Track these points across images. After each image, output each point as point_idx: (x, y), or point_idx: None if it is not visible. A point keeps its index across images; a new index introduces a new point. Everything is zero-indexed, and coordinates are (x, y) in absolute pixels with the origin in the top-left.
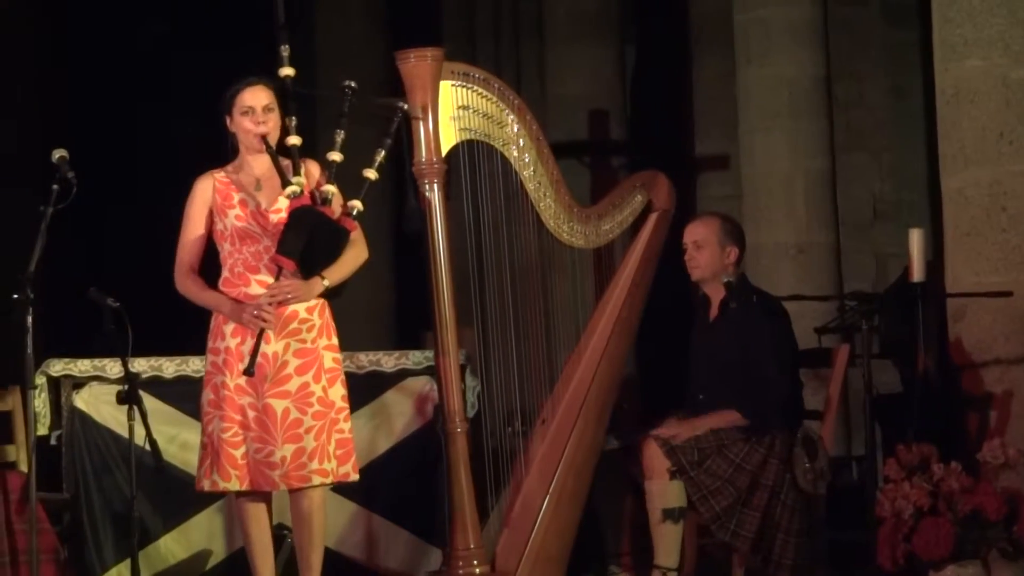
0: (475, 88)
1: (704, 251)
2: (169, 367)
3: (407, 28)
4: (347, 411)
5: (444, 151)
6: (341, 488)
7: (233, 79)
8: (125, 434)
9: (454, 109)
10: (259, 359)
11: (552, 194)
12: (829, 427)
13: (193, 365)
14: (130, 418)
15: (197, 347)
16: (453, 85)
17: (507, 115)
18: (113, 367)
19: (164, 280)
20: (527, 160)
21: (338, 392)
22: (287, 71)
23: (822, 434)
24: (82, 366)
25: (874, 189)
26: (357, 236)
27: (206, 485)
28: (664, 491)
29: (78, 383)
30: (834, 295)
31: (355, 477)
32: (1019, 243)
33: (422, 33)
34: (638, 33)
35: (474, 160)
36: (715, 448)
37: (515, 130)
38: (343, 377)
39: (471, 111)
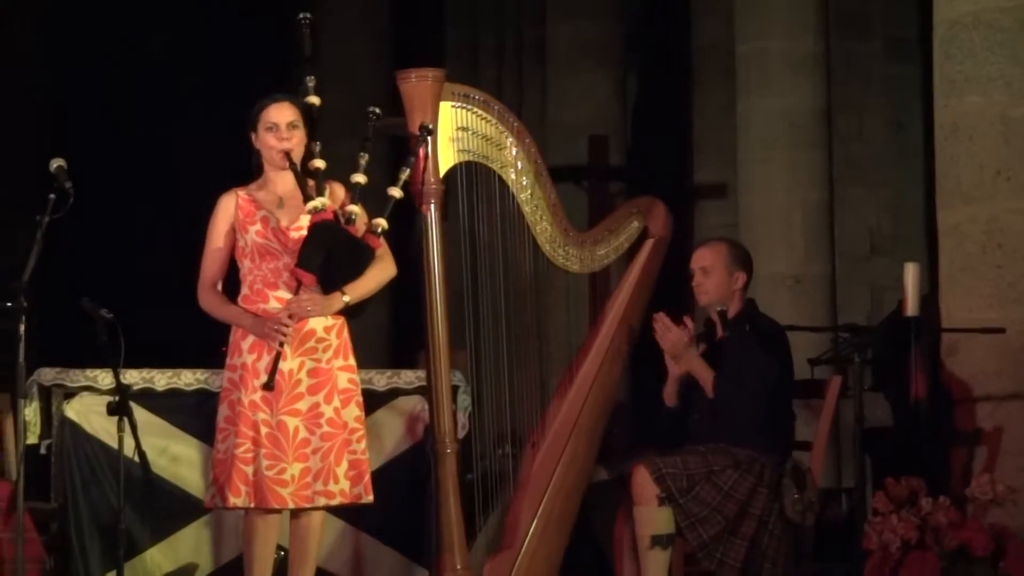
0: (475, 110)
1: (712, 277)
2: (160, 379)
3: (410, 48)
4: (362, 432)
5: (442, 172)
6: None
7: (259, 96)
8: (115, 445)
9: (453, 130)
10: (276, 375)
11: (548, 218)
12: (819, 458)
13: (185, 378)
14: (120, 429)
15: (190, 360)
16: (453, 106)
17: (506, 138)
18: (105, 378)
19: (159, 291)
20: (525, 183)
21: (352, 413)
22: (313, 99)
23: (812, 465)
24: (74, 376)
25: (871, 222)
26: (383, 252)
27: (217, 501)
28: (653, 518)
29: (69, 393)
30: (828, 327)
31: (368, 499)
32: (1014, 280)
33: (425, 54)
34: (640, 61)
35: (472, 181)
36: (704, 475)
37: (514, 153)
38: (359, 398)
39: (470, 132)
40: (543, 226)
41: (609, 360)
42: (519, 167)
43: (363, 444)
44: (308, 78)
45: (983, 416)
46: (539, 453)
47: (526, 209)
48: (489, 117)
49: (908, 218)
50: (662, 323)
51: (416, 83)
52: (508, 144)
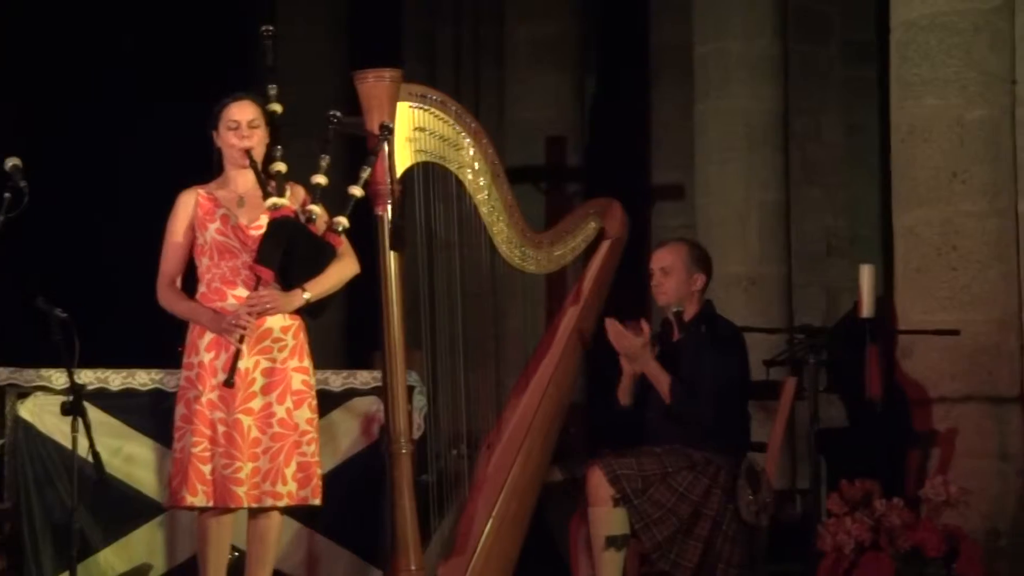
0: (432, 110)
1: (671, 277)
2: (115, 379)
3: (367, 49)
4: (312, 434)
5: (399, 172)
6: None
7: (221, 95)
8: (69, 445)
9: (410, 131)
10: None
11: (505, 218)
12: (773, 459)
13: (139, 378)
14: (74, 429)
15: (144, 360)
16: (410, 106)
17: (463, 138)
18: (59, 378)
19: (114, 291)
20: (482, 184)
21: (304, 415)
22: (275, 107)
23: (767, 466)
24: (27, 376)
25: (827, 224)
26: (344, 250)
27: (175, 501)
28: (608, 519)
29: (23, 393)
30: (784, 328)
31: (316, 501)
32: (968, 282)
33: (382, 55)
34: (598, 61)
35: (429, 182)
36: (659, 477)
37: (471, 153)
38: (312, 401)
39: (427, 133)
40: (500, 227)
41: (565, 361)
42: (476, 168)
43: (313, 447)
44: (270, 87)
45: (937, 418)
46: (494, 454)
47: (483, 210)
48: (446, 117)
49: (864, 220)
50: (614, 329)
51: (373, 83)
52: (465, 144)
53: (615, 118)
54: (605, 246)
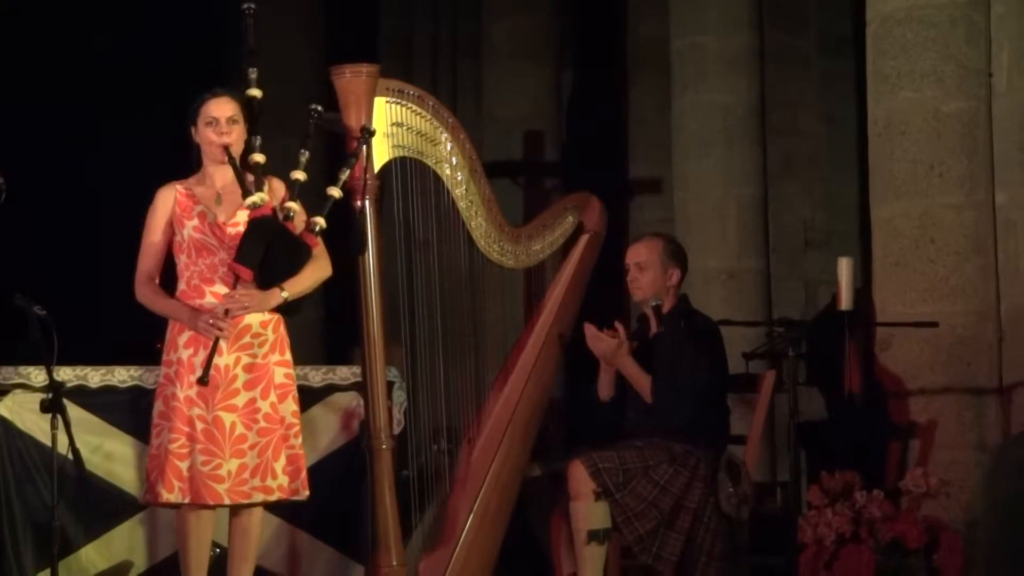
0: (409, 105)
1: (647, 273)
2: (94, 376)
3: (344, 45)
4: (298, 427)
5: (377, 167)
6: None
7: (200, 91)
8: (48, 442)
9: (388, 126)
10: (211, 370)
11: (483, 213)
12: (753, 452)
13: (119, 375)
14: (53, 427)
15: (124, 357)
16: (388, 102)
17: (441, 133)
18: (38, 375)
19: (93, 288)
20: (460, 178)
21: (289, 408)
22: (255, 92)
23: (746, 459)
24: (6, 373)
25: (805, 217)
26: (319, 252)
27: (150, 497)
28: (589, 512)
29: (2, 390)
30: (763, 321)
31: (306, 493)
32: (946, 274)
33: (359, 50)
34: (576, 56)
35: (406, 177)
36: (640, 470)
37: (448, 148)
38: (295, 393)
39: (405, 128)
40: (478, 221)
41: (544, 355)
42: (454, 163)
43: (300, 439)
44: (251, 70)
45: (916, 410)
46: (475, 449)
47: (461, 205)
48: (424, 113)
49: (842, 213)
50: (591, 333)
51: (351, 79)
52: (443, 140)
53: (593, 113)
54: (584, 240)
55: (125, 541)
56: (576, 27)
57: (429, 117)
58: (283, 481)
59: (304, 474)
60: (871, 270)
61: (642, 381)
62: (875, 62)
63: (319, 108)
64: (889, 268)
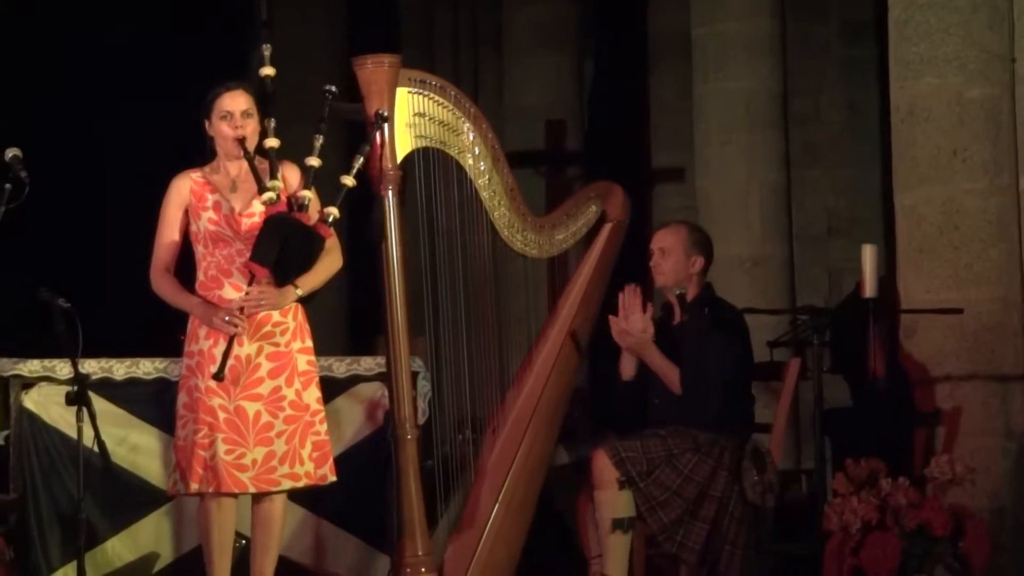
0: (431, 95)
1: (669, 258)
2: (119, 369)
3: (366, 35)
4: (323, 413)
5: (399, 158)
6: (291, 493)
7: (213, 83)
8: (74, 435)
9: (410, 116)
10: (231, 361)
11: (506, 203)
12: (778, 440)
13: (144, 367)
14: (79, 419)
15: (148, 349)
16: (410, 92)
17: (463, 123)
18: (63, 368)
19: (117, 281)
20: (482, 168)
21: (313, 395)
22: (268, 71)
23: (771, 447)
24: (32, 366)
25: (828, 204)
26: (332, 244)
27: (180, 488)
28: (613, 501)
29: (27, 383)
30: (787, 309)
31: (333, 479)
32: (970, 261)
33: (381, 40)
34: (597, 45)
35: (429, 167)
36: (664, 459)
37: (471, 138)
38: (318, 379)
39: (427, 118)
40: (501, 211)
41: (568, 345)
42: (476, 152)
43: (325, 425)
44: (264, 46)
45: (941, 397)
46: (499, 438)
47: (484, 194)
48: (446, 103)
49: (865, 199)
50: (617, 327)
51: (372, 69)
52: (465, 129)
53: (614, 101)
54: (607, 229)
55: (151, 533)
56: (597, 15)
57: (451, 107)
58: (310, 468)
59: (331, 460)
60: (895, 257)
61: (669, 372)
62: (897, 48)
63: (333, 88)
64: (913, 255)
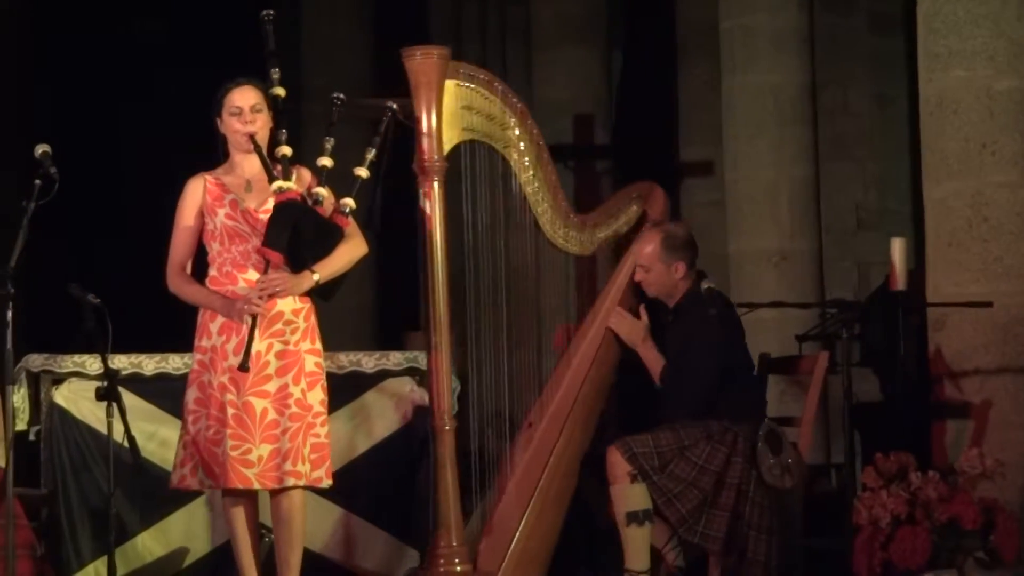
0: (479, 89)
1: (651, 272)
2: (149, 364)
3: (392, 29)
4: (325, 416)
5: (446, 150)
6: (320, 489)
7: (222, 80)
8: (104, 430)
9: (457, 108)
10: (255, 351)
11: (550, 199)
12: (807, 434)
13: (173, 363)
14: (109, 415)
15: (177, 344)
16: (458, 85)
17: (509, 118)
18: (93, 363)
19: (145, 277)
20: (527, 163)
21: (317, 396)
22: (278, 91)
23: (800, 441)
24: (62, 362)
25: (857, 197)
26: (352, 231)
27: (189, 483)
28: (626, 495)
29: (58, 379)
30: (816, 303)
31: (328, 483)
32: (1000, 254)
33: (408, 35)
34: (625, 38)
35: (474, 161)
36: (676, 452)
37: (517, 133)
38: (324, 382)
39: (474, 112)
40: (544, 207)
41: (607, 342)
42: (522, 147)
43: (326, 428)
44: (273, 71)
45: (971, 390)
46: (536, 433)
47: (528, 190)
48: (493, 97)
49: (894, 193)
50: (616, 313)
51: (422, 60)
52: (511, 124)
53: (643, 95)
54: (647, 229)
55: (181, 528)
56: (625, 8)
57: (498, 101)
58: (307, 468)
59: (328, 463)
60: (924, 250)
61: (655, 366)
62: (926, 40)
63: (341, 95)
64: (942, 248)
